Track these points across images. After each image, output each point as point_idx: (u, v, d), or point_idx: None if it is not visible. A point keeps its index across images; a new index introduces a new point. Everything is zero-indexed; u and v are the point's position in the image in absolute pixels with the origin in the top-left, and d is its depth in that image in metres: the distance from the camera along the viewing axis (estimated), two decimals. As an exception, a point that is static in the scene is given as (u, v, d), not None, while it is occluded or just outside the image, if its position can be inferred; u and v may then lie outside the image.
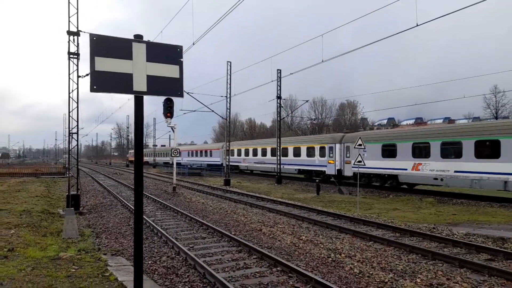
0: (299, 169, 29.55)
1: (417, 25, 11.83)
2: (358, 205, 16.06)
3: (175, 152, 22.03)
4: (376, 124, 75.17)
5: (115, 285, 5.85)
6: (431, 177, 18.29)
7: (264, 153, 34.24)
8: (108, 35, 2.70)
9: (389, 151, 20.81)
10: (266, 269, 7.56)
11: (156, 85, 2.95)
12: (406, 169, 19.63)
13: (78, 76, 15.87)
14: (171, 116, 17.72)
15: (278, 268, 7.53)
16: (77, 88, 15.91)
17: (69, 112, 15.96)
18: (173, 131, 22.47)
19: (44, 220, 12.80)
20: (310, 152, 27.81)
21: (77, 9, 15.34)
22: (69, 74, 15.60)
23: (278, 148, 30.22)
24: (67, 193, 16.05)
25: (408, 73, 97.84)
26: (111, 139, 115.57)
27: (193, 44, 15.35)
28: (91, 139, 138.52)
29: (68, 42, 15.26)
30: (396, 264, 7.93)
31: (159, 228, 11.23)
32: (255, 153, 35.57)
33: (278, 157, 29.95)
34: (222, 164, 41.66)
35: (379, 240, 9.92)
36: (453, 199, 17.99)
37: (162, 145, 77.17)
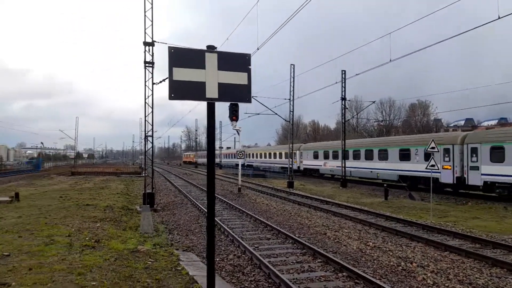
0: (280, 167, 44.05)
1: (499, 18, 10.71)
2: (432, 212, 14.98)
3: (241, 154, 22.59)
4: (451, 125, 69.42)
5: (187, 279, 6.20)
6: (329, 169, 33.97)
7: (266, 155, 50.64)
8: (184, 47, 2.93)
9: (315, 155, 36.78)
10: (331, 273, 7.41)
11: (227, 92, 3.10)
12: (321, 165, 35.51)
13: (153, 83, 17.08)
14: (236, 120, 18.23)
15: (344, 274, 7.34)
16: (152, 94, 17.13)
17: (145, 117, 17.27)
18: (238, 133, 23.07)
19: (124, 216, 14.02)
20: (283, 155, 43.54)
21: (152, 21, 16.56)
22: (145, 82, 16.87)
23: (342, 150, 29.42)
24: (143, 191, 17.29)
25: (489, 70, 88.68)
26: (181, 141, 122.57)
27: (258, 49, 15.65)
28: (163, 141, 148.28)
29: (144, 52, 16.51)
30: (476, 278, 7.25)
31: (226, 227, 11.62)
32: (260, 156, 52.31)
33: (343, 161, 29.15)
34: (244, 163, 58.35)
35: (455, 251, 9.16)
36: (546, 209, 15.91)
37: (227, 147, 79.72)
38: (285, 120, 37.83)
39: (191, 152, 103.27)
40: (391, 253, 9.04)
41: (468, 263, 8.25)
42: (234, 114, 18.18)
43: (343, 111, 29.09)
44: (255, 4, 13.93)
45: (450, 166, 20.55)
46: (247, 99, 3.21)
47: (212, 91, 3.02)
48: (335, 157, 32.15)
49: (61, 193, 19.64)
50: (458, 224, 13.15)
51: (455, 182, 20.26)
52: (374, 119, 62.29)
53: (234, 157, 64.73)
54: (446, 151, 20.80)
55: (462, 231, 11.48)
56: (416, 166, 22.70)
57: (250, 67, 3.16)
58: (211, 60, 3.01)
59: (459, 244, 9.93)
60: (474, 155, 19.29)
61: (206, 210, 13.35)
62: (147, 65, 16.61)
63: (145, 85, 16.83)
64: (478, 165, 18.90)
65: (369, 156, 27.48)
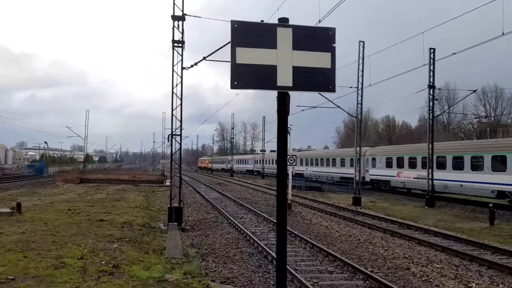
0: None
1: None
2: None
3: (291, 160, 22.57)
4: None
5: (229, 321, 6.28)
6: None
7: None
8: (251, 21, 2.95)
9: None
10: (420, 323, 7.17)
11: (304, 78, 3.09)
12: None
13: (183, 68, 17.52)
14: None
15: (438, 325, 7.06)
16: (181, 82, 17.58)
17: (172, 110, 17.72)
18: (289, 133, 23.03)
19: (146, 235, 14.55)
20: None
21: (183, -11, 16.96)
22: (172, 66, 17.35)
23: (429, 156, 28.38)
24: (168, 205, 17.80)
25: None
26: (213, 142, 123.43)
27: (319, 21, 15.57)
28: (190, 141, 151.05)
29: (173, 28, 16.96)
30: None
31: (275, 255, 11.62)
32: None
33: (430, 169, 28.12)
34: (253, 170, 76.24)
35: None
36: None
37: (271, 151, 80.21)
38: (350, 114, 37.32)
39: (206, 157, 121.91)
40: (503, 300, 8.58)
41: None
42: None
43: (431, 103, 28.09)
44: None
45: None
46: (330, 87, 3.16)
47: (285, 78, 3.03)
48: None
49: (70, 205, 20.78)
50: None
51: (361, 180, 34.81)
52: (474, 115, 59.33)
53: (243, 163, 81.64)
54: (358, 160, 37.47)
55: None
56: (346, 170, 42.72)
57: (334, 45, 3.12)
58: (285, 37, 3.02)
59: None
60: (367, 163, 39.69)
61: (247, 232, 13.48)
62: (175, 44, 17.05)
63: (173, 70, 17.32)
64: (368, 169, 39.26)
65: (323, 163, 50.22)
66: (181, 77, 17.57)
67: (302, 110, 32.14)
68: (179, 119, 18.00)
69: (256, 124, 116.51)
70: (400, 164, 34.70)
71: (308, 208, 24.66)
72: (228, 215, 20.09)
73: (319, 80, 3.11)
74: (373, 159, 39.54)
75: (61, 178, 47.56)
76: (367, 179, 39.81)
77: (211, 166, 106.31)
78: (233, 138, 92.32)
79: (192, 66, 17.97)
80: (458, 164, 27.62)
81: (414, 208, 26.08)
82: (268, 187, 42.96)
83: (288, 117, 3.31)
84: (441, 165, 28.91)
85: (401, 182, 34.45)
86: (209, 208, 24.44)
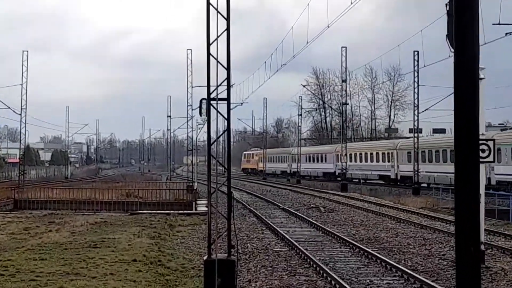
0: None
1: None
2: None
3: (484, 151, 20.26)
4: None
5: None
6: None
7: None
8: None
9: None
10: None
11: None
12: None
13: None
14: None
15: None
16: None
17: (208, 44, 16.53)
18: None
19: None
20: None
21: None
22: None
23: None
24: (205, 257, 16.74)
25: None
26: (300, 115, 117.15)
27: None
28: (250, 113, 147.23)
29: None
30: None
31: None
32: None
33: None
34: (335, 172, 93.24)
35: None
36: None
37: (436, 130, 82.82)
38: None
39: (255, 150, 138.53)
40: None
41: None
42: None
43: None
44: None
45: None
46: None
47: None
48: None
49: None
50: None
51: None
52: None
53: (313, 160, 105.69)
54: None
55: None
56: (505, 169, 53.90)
57: None
58: None
59: None
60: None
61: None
62: None
63: None
64: None
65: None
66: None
67: (507, 34, 30.03)
68: (225, 64, 16.79)
69: (398, 69, 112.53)
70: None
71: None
72: (337, 279, 18.82)
73: None
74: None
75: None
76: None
77: (262, 168, 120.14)
78: (345, 103, 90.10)
79: None
80: None
81: None
82: (424, 212, 43.80)
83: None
84: None
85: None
86: (296, 262, 23.35)
